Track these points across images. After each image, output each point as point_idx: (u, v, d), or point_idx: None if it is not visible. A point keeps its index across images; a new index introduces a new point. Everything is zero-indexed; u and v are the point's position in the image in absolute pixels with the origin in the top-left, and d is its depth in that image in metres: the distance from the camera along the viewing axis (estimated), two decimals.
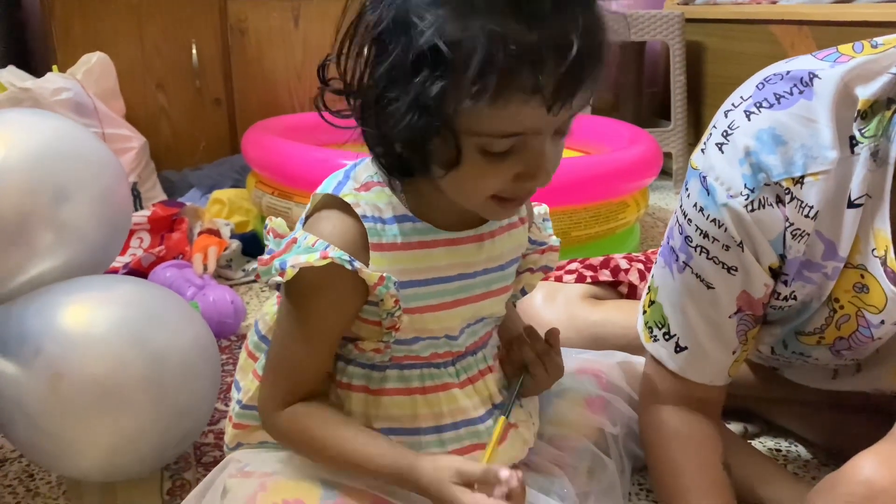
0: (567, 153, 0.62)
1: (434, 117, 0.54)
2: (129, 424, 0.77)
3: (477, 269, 0.67)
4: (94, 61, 1.80)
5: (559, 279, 1.07)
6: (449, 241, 0.64)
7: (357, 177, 0.64)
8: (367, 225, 0.62)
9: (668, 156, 2.13)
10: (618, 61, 2.46)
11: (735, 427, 0.95)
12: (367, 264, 0.62)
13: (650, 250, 1.15)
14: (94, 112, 1.71)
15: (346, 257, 0.60)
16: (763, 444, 0.94)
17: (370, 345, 0.66)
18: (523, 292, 0.77)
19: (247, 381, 0.73)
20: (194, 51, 2.06)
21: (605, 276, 1.05)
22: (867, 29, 1.60)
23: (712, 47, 2.19)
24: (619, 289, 1.05)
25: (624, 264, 1.06)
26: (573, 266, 1.08)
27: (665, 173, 2.13)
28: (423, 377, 0.67)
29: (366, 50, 0.57)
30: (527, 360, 0.73)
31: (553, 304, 1.03)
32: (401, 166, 0.61)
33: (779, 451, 0.94)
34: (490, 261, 0.68)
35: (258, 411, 0.69)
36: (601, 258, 1.09)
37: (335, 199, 0.63)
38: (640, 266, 1.06)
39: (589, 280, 1.05)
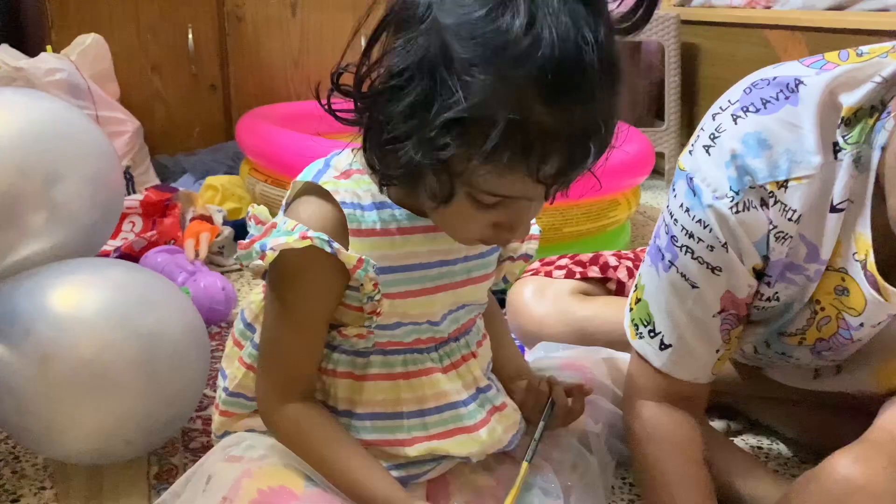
0: None
1: (436, 163, 0.55)
2: (117, 407, 0.77)
3: (457, 257, 0.68)
4: (89, 43, 1.79)
5: (549, 274, 1.08)
6: (428, 228, 0.65)
7: (337, 165, 0.65)
8: (346, 211, 0.63)
9: (660, 155, 2.14)
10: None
11: (718, 424, 0.97)
12: (346, 250, 0.62)
13: (640, 248, 1.16)
14: (88, 94, 1.70)
15: (325, 238, 0.61)
16: (745, 441, 0.96)
17: (353, 331, 0.67)
18: (505, 280, 0.78)
19: (233, 368, 0.73)
20: (190, 36, 2.05)
21: (594, 272, 1.06)
22: (860, 37, 1.61)
23: (707, 49, 2.20)
24: (608, 285, 1.06)
25: (613, 261, 1.07)
26: (563, 262, 1.09)
27: (657, 173, 2.14)
28: (406, 363, 0.68)
29: (387, 73, 0.56)
30: (556, 399, 0.75)
31: (542, 299, 1.04)
32: (392, 178, 0.61)
33: (760, 448, 0.95)
34: (470, 248, 0.69)
35: (258, 407, 0.69)
36: (591, 255, 1.10)
37: (314, 186, 0.64)
38: (629, 263, 1.07)
39: (578, 276, 1.06)
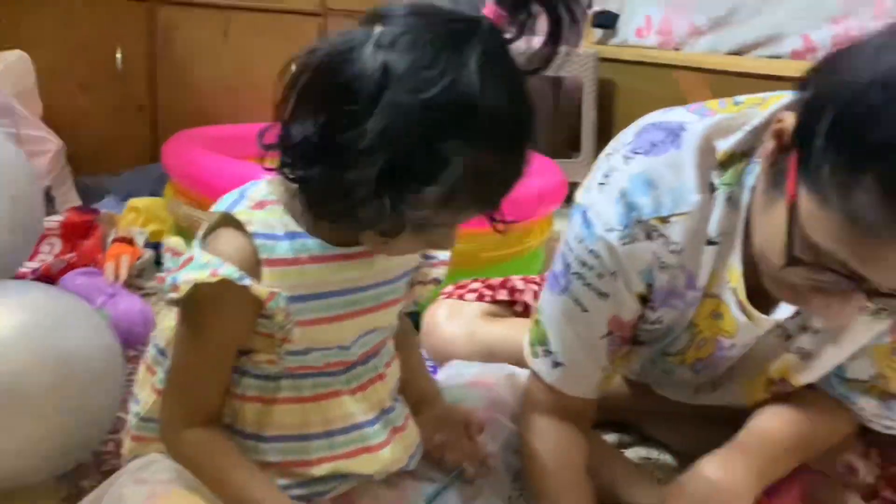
0: None
1: (393, 211, 0.59)
2: (29, 429, 0.78)
3: (368, 283, 0.71)
4: (13, 59, 1.76)
5: (461, 297, 1.14)
6: (341, 256, 0.68)
7: (252, 195, 0.68)
8: (258, 242, 0.65)
9: (575, 185, 2.23)
10: (533, 94, 2.57)
11: (612, 437, 1.04)
12: (259, 280, 0.65)
13: (547, 272, 1.23)
14: (11, 111, 1.68)
15: (237, 274, 0.63)
16: (636, 452, 1.03)
17: (264, 356, 0.69)
18: (415, 304, 0.83)
19: (145, 393, 0.75)
20: (119, 55, 2.04)
21: (502, 295, 1.13)
22: (757, 80, 1.76)
23: (622, 86, 2.34)
24: (515, 308, 1.13)
25: (520, 285, 1.14)
26: (475, 286, 1.16)
27: (573, 201, 2.24)
28: (315, 386, 0.71)
29: (350, 136, 0.57)
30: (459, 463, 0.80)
31: (454, 321, 1.10)
32: (326, 213, 0.64)
33: (649, 458, 1.03)
34: (381, 274, 0.72)
35: (160, 430, 0.71)
36: (500, 279, 1.17)
37: (229, 217, 0.66)
38: (535, 287, 1.14)
39: (488, 299, 1.12)
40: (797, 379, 0.81)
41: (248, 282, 0.64)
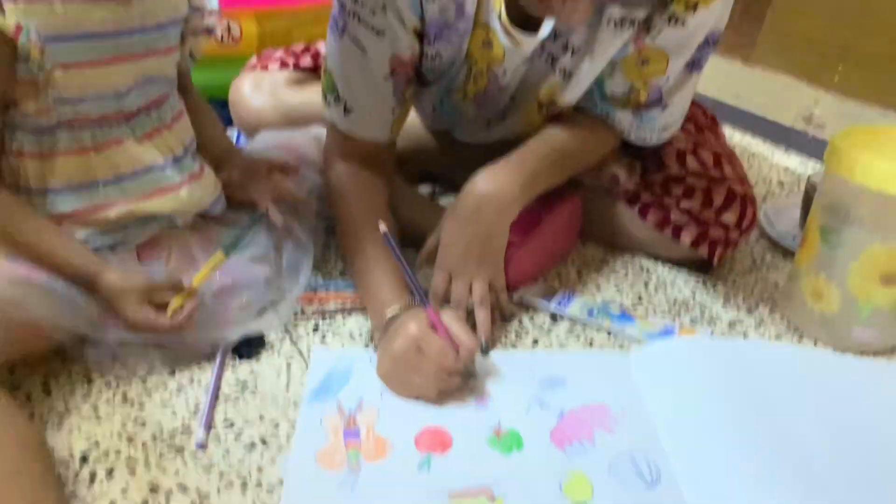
0: None
1: None
2: None
3: (132, 27, 0.71)
4: None
5: (265, 68, 1.12)
6: None
7: None
8: None
9: None
10: None
11: (425, 188, 1.12)
12: (3, 15, 0.62)
13: None
14: None
15: None
16: (448, 199, 1.12)
17: (32, 106, 0.68)
18: (192, 56, 0.82)
19: None
20: None
21: (306, 62, 1.12)
22: None
23: None
24: (319, 73, 1.13)
25: (324, 50, 1.13)
26: (278, 54, 1.14)
27: None
28: (95, 136, 0.72)
29: None
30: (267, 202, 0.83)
31: (259, 91, 1.10)
32: None
33: None
34: (145, 18, 0.71)
35: None
36: (303, 45, 1.15)
37: None
38: None
39: (292, 66, 1.12)
40: (562, 98, 0.89)
41: None
